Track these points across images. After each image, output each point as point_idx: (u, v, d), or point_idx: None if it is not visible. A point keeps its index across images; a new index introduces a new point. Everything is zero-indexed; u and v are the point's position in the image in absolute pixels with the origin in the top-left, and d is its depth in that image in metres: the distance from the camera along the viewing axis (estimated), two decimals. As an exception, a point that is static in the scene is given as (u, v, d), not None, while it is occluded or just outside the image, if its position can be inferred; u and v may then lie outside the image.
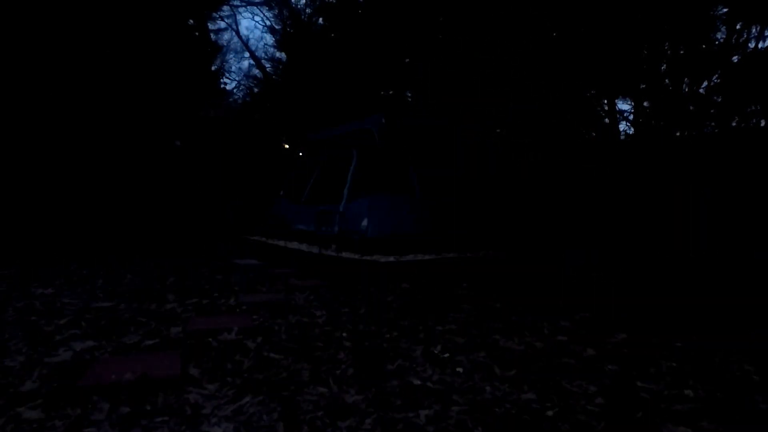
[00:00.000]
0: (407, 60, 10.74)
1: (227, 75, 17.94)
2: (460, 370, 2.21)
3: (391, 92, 11.67)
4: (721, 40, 7.54)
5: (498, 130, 8.54)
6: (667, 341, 2.70)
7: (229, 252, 7.16)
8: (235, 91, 17.60)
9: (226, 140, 11.49)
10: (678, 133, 7.72)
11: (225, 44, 17.09)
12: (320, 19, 13.36)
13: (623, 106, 9.05)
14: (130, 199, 8.28)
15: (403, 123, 6.63)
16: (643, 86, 7.88)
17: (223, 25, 16.50)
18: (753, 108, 7.61)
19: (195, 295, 3.84)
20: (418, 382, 2.05)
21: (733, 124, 7.79)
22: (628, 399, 1.90)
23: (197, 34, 10.83)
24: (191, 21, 10.39)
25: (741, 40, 7.52)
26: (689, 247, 5.28)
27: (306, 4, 13.97)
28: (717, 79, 7.67)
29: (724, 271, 4.61)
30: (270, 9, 15.57)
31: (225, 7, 15.01)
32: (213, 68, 12.23)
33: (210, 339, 2.65)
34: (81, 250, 6.50)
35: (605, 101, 8.37)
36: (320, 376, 2.11)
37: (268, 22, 16.60)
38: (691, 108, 7.65)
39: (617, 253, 5.74)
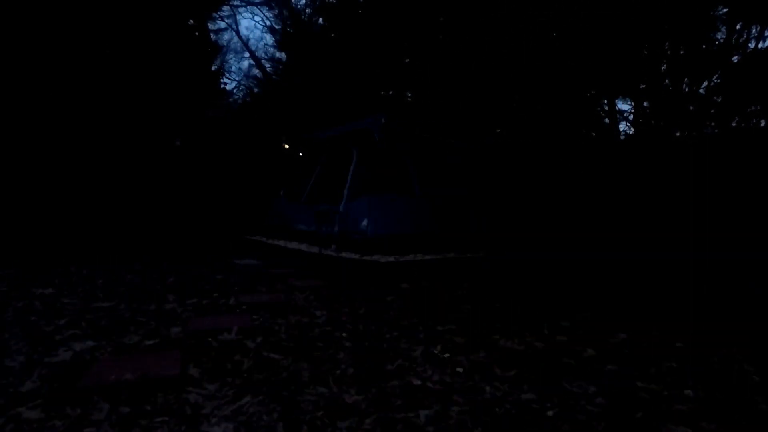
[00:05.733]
0: (407, 60, 10.74)
1: (227, 75, 17.92)
2: (460, 370, 2.21)
3: (391, 92, 11.66)
4: (721, 40, 7.54)
5: (498, 130, 8.54)
6: (667, 341, 2.70)
7: (229, 252, 7.16)
8: (235, 91, 17.60)
9: (226, 140, 11.48)
10: (678, 133, 7.71)
11: (225, 44, 17.09)
12: (320, 19, 13.36)
13: (623, 106, 9.06)
14: (130, 198, 8.28)
15: (403, 123, 6.63)
16: (643, 86, 7.87)
17: (223, 25, 16.49)
18: (753, 108, 7.61)
19: (195, 295, 3.84)
20: (418, 382, 2.05)
21: (733, 124, 7.79)
22: (628, 399, 1.90)
23: (197, 34, 10.83)
24: (191, 21, 10.38)
25: (741, 40, 7.52)
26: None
27: (306, 4, 13.97)
28: (717, 79, 7.67)
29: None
30: (270, 9, 15.58)
31: (225, 7, 15.01)
32: (213, 68, 12.22)
33: (210, 339, 2.65)
34: (81, 251, 6.50)
35: (605, 101, 8.37)
36: (320, 376, 2.11)
37: (268, 22, 16.60)
38: (691, 108, 7.64)
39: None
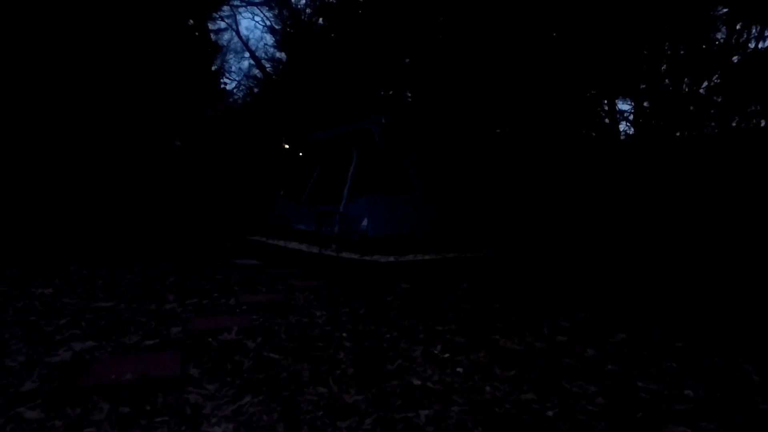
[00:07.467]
0: (407, 60, 10.75)
1: (227, 75, 17.94)
2: (460, 370, 2.21)
3: (391, 92, 11.66)
4: (721, 40, 7.54)
5: (498, 130, 8.54)
6: (667, 341, 2.70)
7: (229, 252, 7.16)
8: (235, 91, 17.61)
9: (226, 140, 11.49)
10: (678, 133, 7.72)
11: (225, 44, 17.09)
12: (320, 19, 13.36)
13: (623, 106, 9.06)
14: (130, 199, 8.29)
15: (403, 123, 6.63)
16: (643, 86, 7.88)
17: (223, 25, 16.50)
18: (753, 108, 7.61)
19: (195, 295, 3.84)
20: (418, 382, 2.05)
21: (733, 124, 7.79)
22: (628, 399, 1.90)
23: (197, 34, 10.83)
24: (191, 21, 10.38)
25: (741, 40, 7.51)
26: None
27: (306, 4, 13.97)
28: (717, 79, 7.67)
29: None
30: (270, 9, 15.57)
31: (225, 7, 15.01)
32: (213, 68, 12.22)
33: (210, 339, 2.65)
34: (81, 251, 6.50)
35: (605, 101, 8.37)
36: (320, 376, 2.11)
37: (268, 22, 16.60)
38: (691, 108, 7.64)
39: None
